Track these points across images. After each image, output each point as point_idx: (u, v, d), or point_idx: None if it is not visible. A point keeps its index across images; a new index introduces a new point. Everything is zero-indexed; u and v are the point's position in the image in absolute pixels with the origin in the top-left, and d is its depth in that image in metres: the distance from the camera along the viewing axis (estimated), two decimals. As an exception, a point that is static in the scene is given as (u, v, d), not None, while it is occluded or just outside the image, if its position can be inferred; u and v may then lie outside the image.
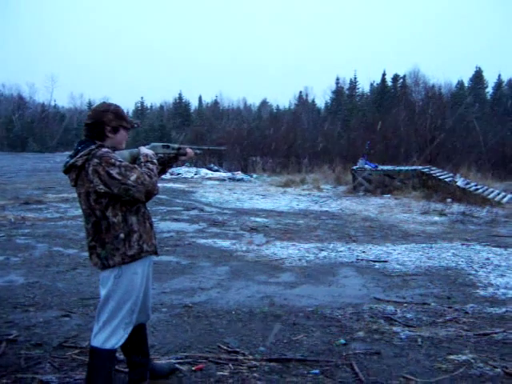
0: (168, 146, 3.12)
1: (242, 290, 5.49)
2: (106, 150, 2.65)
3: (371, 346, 3.93)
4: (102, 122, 2.75)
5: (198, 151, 3.34)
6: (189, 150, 3.22)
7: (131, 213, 2.73)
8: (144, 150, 2.89)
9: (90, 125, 2.76)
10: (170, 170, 22.87)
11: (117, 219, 2.67)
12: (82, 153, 2.63)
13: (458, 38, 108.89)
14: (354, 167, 18.23)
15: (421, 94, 34.79)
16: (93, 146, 2.65)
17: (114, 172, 2.55)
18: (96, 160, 2.58)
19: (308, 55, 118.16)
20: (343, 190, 18.26)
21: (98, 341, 2.72)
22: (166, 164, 3.22)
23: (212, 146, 4.45)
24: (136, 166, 2.67)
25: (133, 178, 2.56)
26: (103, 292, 2.77)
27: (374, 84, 57.05)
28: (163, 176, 3.47)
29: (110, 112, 2.78)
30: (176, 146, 3.17)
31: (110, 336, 2.72)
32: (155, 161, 2.83)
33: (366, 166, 17.85)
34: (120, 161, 2.61)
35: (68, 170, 2.72)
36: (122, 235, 2.69)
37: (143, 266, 2.82)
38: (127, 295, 2.74)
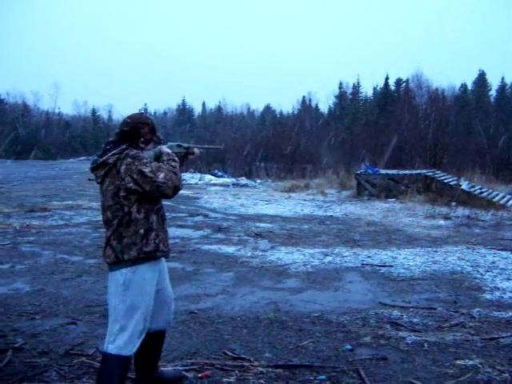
0: (180, 146, 3.28)
1: (247, 296, 5.48)
2: (136, 150, 2.81)
3: (377, 351, 3.91)
4: (139, 132, 2.90)
5: (202, 150, 3.50)
6: (196, 150, 3.34)
7: (153, 212, 2.85)
8: (165, 149, 3.02)
9: (127, 132, 2.88)
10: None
11: (140, 215, 2.78)
12: (114, 151, 2.76)
13: (461, 41, 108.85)
14: (358, 171, 18.23)
15: (424, 98, 34.81)
16: (124, 146, 2.79)
17: (146, 171, 2.71)
18: (129, 159, 2.73)
19: (311, 60, 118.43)
20: (347, 194, 18.24)
21: (114, 348, 2.74)
22: (181, 161, 3.29)
23: (210, 146, 4.69)
24: (161, 164, 2.81)
25: (161, 175, 2.72)
26: (113, 299, 2.80)
27: (377, 88, 57.16)
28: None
29: (147, 125, 2.94)
30: (186, 145, 3.33)
31: (126, 343, 2.75)
32: (176, 159, 2.97)
33: (368, 170, 17.86)
34: (150, 160, 2.78)
35: (97, 167, 2.82)
36: (141, 231, 2.78)
37: (153, 272, 2.85)
38: (138, 302, 2.77)
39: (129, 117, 2.96)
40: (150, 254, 2.80)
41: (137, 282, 2.77)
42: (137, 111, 3.18)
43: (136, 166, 2.70)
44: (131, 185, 2.70)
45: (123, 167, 2.71)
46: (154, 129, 2.98)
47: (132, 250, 2.75)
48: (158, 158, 2.95)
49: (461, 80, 54.67)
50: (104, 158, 2.77)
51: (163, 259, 3.01)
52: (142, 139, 2.90)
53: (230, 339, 4.16)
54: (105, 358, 2.79)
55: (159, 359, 3.27)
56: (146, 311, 2.83)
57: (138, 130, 2.89)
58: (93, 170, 2.86)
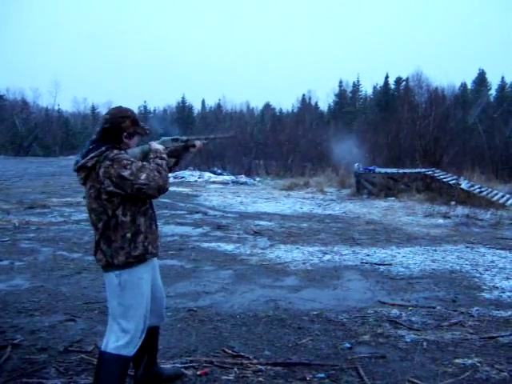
0: (177, 140, 3.15)
1: (246, 294, 5.49)
2: (117, 151, 2.70)
3: (376, 349, 3.92)
4: (120, 127, 2.79)
5: (205, 141, 3.34)
6: (197, 142, 3.22)
7: (140, 214, 2.77)
8: (154, 145, 2.92)
9: (107, 129, 2.78)
10: (174, 174, 22.94)
11: (126, 218, 2.71)
12: (93, 154, 2.67)
13: (461, 40, 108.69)
14: (356, 170, 18.24)
15: (424, 97, 34.74)
16: (103, 148, 2.69)
17: (125, 174, 2.59)
18: (108, 162, 2.63)
19: (311, 58, 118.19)
20: (347, 193, 18.23)
21: (115, 348, 2.73)
22: (178, 156, 3.20)
23: (219, 135, 4.35)
24: (145, 163, 2.70)
25: (143, 176, 2.60)
26: (111, 300, 2.79)
27: (377, 87, 57.09)
28: (177, 170, 3.46)
29: (128, 118, 2.82)
30: (184, 138, 3.20)
31: (128, 343, 2.74)
32: (164, 156, 2.85)
33: (365, 170, 17.87)
34: (131, 161, 2.65)
35: (78, 169, 2.76)
36: (129, 235, 2.72)
37: (147, 272, 2.84)
38: (136, 301, 2.76)
39: (107, 113, 2.87)
40: (138, 258, 2.74)
41: (132, 282, 2.74)
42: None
43: (115, 168, 2.60)
44: (111, 188, 2.62)
45: (102, 170, 2.62)
46: (135, 120, 2.86)
47: (120, 255, 2.70)
48: (147, 155, 2.86)
49: (461, 79, 54.77)
50: (83, 161, 2.69)
51: (154, 258, 2.97)
52: (124, 133, 2.80)
53: (229, 337, 4.16)
54: (103, 357, 2.76)
55: (156, 355, 3.26)
56: (146, 310, 2.82)
57: (119, 124, 2.78)
58: (75, 171, 2.79)
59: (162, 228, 9.51)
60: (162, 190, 2.67)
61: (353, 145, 19.96)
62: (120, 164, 2.61)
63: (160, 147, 2.91)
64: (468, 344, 4.04)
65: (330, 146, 26.24)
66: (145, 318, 2.82)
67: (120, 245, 2.70)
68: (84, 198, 2.84)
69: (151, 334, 3.09)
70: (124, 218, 2.70)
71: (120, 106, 2.93)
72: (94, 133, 2.86)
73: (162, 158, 2.80)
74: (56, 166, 34.03)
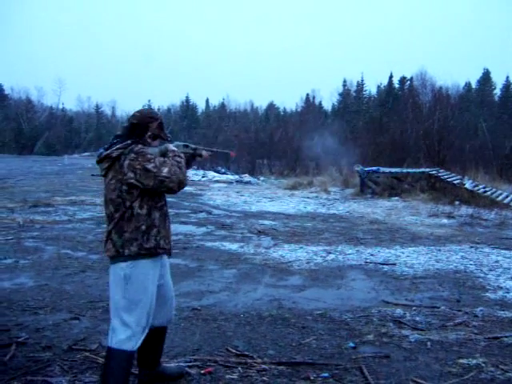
0: (187, 146, 3.24)
1: (250, 293, 5.49)
2: (141, 146, 2.80)
3: (380, 349, 3.91)
4: (147, 126, 2.91)
5: (210, 153, 3.44)
6: (204, 152, 3.32)
7: (156, 208, 2.85)
8: (171, 146, 3.00)
9: (135, 124, 2.88)
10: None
11: (142, 211, 2.78)
12: (119, 145, 2.77)
13: (466, 39, 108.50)
14: (361, 169, 18.21)
15: (428, 96, 34.67)
16: (129, 141, 2.79)
17: (149, 166, 2.70)
18: (133, 155, 2.73)
19: (315, 58, 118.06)
20: (351, 192, 18.23)
21: (116, 342, 2.75)
22: (186, 163, 3.24)
23: (220, 149, 4.43)
24: (167, 159, 2.81)
25: (165, 170, 2.72)
26: (114, 293, 2.80)
27: (381, 86, 56.95)
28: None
29: (156, 120, 2.95)
30: (193, 146, 3.30)
31: (129, 338, 2.75)
32: (182, 155, 2.95)
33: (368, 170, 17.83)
34: (155, 156, 2.77)
35: (101, 160, 2.82)
36: (143, 227, 2.78)
37: (154, 268, 2.85)
38: (140, 296, 2.77)
39: (138, 111, 2.98)
40: (150, 251, 2.79)
41: (138, 277, 2.76)
42: (142, 107, 3.13)
43: (139, 161, 2.70)
44: (132, 180, 2.70)
45: (126, 162, 2.71)
46: (162, 124, 2.99)
47: (133, 246, 2.75)
48: (164, 155, 2.93)
49: (465, 78, 54.57)
50: (108, 151, 2.78)
51: (165, 256, 3.00)
52: (149, 133, 2.91)
53: (233, 336, 4.16)
54: (108, 352, 2.80)
55: (161, 355, 3.27)
56: (149, 307, 2.83)
57: (147, 123, 2.90)
58: (98, 162, 2.86)
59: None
60: (182, 184, 2.79)
61: (327, 142, 19.88)
62: (144, 157, 2.71)
63: (175, 148, 3.00)
64: (472, 344, 4.03)
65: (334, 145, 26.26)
66: (148, 314, 2.82)
67: (133, 236, 2.75)
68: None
69: (158, 334, 3.11)
70: (140, 211, 2.77)
71: (151, 108, 3.03)
72: (119, 129, 2.97)
73: (180, 157, 2.90)
74: (60, 165, 34.10)
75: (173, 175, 2.72)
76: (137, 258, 2.76)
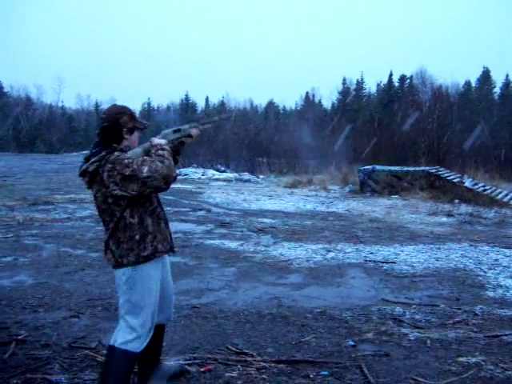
0: (179, 130, 3.06)
1: (249, 291, 5.49)
2: (117, 153, 2.68)
3: (380, 347, 3.91)
4: (119, 123, 2.79)
5: (202, 126, 3.19)
6: (194, 131, 3.10)
7: (147, 214, 2.78)
8: (155, 140, 2.88)
9: (107, 128, 2.78)
10: (178, 171, 22.92)
11: (134, 220, 2.72)
12: (94, 159, 2.67)
13: (466, 37, 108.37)
14: (360, 168, 18.22)
15: (428, 95, 34.65)
16: (103, 153, 2.67)
17: (127, 172, 2.57)
18: (109, 165, 2.61)
19: (315, 56, 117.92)
20: (350, 190, 18.21)
21: (122, 343, 2.74)
22: (176, 152, 3.10)
23: (219, 117, 4.08)
24: (146, 157, 2.67)
25: (145, 170, 2.56)
26: (120, 296, 2.80)
27: (381, 84, 56.87)
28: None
29: (125, 114, 2.83)
30: (186, 126, 3.10)
31: (135, 340, 2.75)
32: (166, 147, 2.81)
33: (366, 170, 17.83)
34: (132, 159, 2.63)
35: (82, 173, 2.76)
36: (137, 237, 2.73)
37: (156, 270, 2.83)
38: (144, 299, 2.76)
39: (103, 113, 2.88)
40: (148, 258, 2.76)
41: (140, 280, 2.75)
42: (113, 104, 2.97)
43: (117, 170, 2.58)
44: (117, 191, 2.61)
45: (105, 174, 2.61)
46: (132, 115, 2.86)
47: (130, 256, 2.72)
48: (149, 151, 2.82)
49: (465, 77, 54.50)
50: (84, 166, 2.70)
51: (166, 255, 2.98)
52: (124, 129, 2.80)
53: (233, 334, 4.16)
54: (111, 351, 2.78)
55: (161, 353, 3.27)
56: (154, 308, 2.83)
57: (117, 121, 2.78)
58: (80, 175, 2.79)
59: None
60: (168, 179, 2.62)
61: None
62: (122, 164, 2.59)
63: (162, 141, 2.87)
64: (472, 342, 4.03)
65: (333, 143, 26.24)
66: (153, 315, 2.82)
67: (129, 246, 2.72)
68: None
69: (157, 332, 3.09)
70: (132, 220, 2.71)
71: (114, 104, 2.96)
72: (96, 135, 2.84)
73: (163, 149, 2.76)
74: (59, 163, 34.07)
75: (154, 173, 2.56)
76: (137, 265, 2.74)
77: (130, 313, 2.75)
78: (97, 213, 2.86)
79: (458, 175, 17.32)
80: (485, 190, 15.52)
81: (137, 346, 2.76)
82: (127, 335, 2.74)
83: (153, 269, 2.80)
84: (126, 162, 2.60)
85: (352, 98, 54.61)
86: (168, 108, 70.67)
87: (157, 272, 2.85)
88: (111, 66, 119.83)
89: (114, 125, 2.78)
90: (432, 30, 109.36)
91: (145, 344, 2.81)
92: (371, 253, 7.58)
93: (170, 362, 3.46)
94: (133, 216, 2.72)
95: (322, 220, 11.11)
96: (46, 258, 6.84)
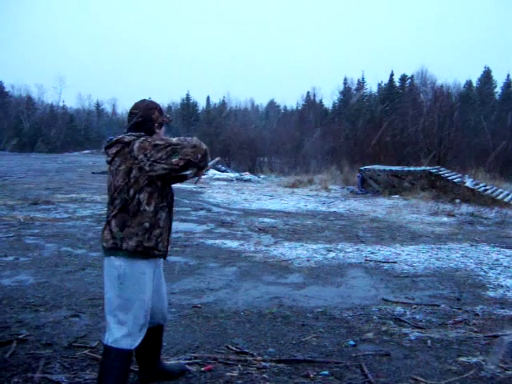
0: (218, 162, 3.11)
1: (250, 291, 5.49)
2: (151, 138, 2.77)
3: (380, 347, 3.91)
4: (151, 118, 2.88)
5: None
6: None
7: (163, 208, 2.80)
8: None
9: (140, 123, 2.85)
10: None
11: (149, 208, 2.73)
12: (133, 133, 2.78)
13: (467, 37, 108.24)
14: (362, 168, 18.21)
15: (429, 95, 34.62)
16: (142, 133, 2.79)
17: (157, 141, 2.67)
18: (143, 138, 2.71)
19: (316, 56, 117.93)
20: (351, 190, 18.21)
21: (113, 341, 2.72)
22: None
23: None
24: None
25: (175, 139, 2.68)
26: (109, 291, 2.77)
27: (382, 84, 56.83)
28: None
29: (156, 109, 2.92)
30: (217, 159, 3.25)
31: (125, 336, 2.72)
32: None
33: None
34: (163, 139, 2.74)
35: (111, 145, 2.78)
36: (147, 224, 2.73)
37: (149, 268, 2.81)
38: (135, 295, 2.73)
39: (135, 108, 2.90)
40: (147, 250, 2.74)
41: (133, 276, 2.72)
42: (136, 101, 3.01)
43: (149, 141, 2.67)
44: (143, 162, 2.64)
45: (136, 145, 2.67)
46: (161, 110, 2.96)
47: (131, 240, 2.69)
48: None
49: (466, 77, 54.48)
50: (120, 136, 2.77)
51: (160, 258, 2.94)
52: (156, 124, 2.88)
53: (233, 333, 4.16)
54: (106, 350, 2.77)
55: (161, 353, 3.27)
56: (147, 305, 2.79)
57: (150, 116, 2.86)
58: (106, 148, 2.82)
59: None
60: (198, 148, 2.65)
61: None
62: (153, 139, 2.71)
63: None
64: (472, 342, 4.03)
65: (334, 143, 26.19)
66: (145, 312, 2.79)
67: (134, 231, 2.70)
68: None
69: (156, 332, 3.09)
70: (147, 207, 2.72)
71: (144, 99, 2.99)
72: (126, 128, 2.91)
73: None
74: (60, 162, 34.11)
75: (183, 141, 2.65)
76: (132, 257, 2.71)
77: (121, 308, 2.72)
78: (106, 198, 2.86)
79: (459, 175, 17.30)
80: (486, 190, 15.51)
81: (129, 343, 2.73)
82: (117, 332, 2.72)
83: (146, 266, 2.78)
84: (158, 139, 2.70)
85: (357, 98, 54.39)
86: (169, 108, 70.69)
87: (150, 270, 2.81)
88: (112, 66, 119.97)
89: (148, 120, 2.86)
90: (433, 29, 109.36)
91: (139, 340, 2.78)
92: (372, 252, 7.59)
93: (171, 362, 3.46)
94: (149, 204, 2.72)
95: (323, 220, 11.11)
96: (47, 257, 6.85)
